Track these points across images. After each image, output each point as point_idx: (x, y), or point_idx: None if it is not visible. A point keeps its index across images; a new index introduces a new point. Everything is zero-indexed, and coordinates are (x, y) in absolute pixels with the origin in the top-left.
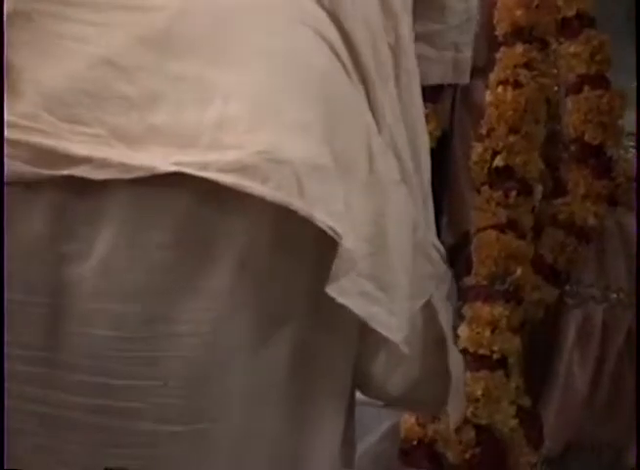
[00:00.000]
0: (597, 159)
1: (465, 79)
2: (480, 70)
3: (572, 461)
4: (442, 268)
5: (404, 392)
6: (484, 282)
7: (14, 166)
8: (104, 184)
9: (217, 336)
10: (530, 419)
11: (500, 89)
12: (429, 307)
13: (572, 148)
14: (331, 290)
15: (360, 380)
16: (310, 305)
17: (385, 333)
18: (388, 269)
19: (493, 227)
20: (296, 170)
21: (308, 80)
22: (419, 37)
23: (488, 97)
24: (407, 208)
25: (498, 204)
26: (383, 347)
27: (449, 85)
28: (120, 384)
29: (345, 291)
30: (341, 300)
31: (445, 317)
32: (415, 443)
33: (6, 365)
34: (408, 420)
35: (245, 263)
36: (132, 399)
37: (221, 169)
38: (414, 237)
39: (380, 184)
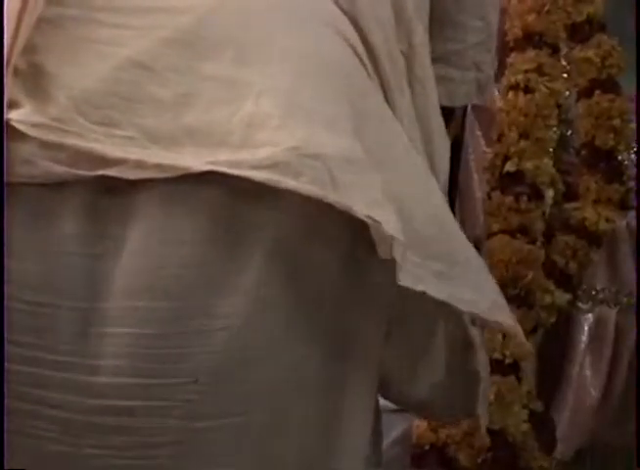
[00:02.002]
0: (608, 163)
1: (484, 100)
2: None
3: (585, 465)
4: None
5: (428, 395)
6: None
7: (45, 167)
8: (134, 183)
9: (248, 330)
10: (542, 423)
11: (511, 94)
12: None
13: (583, 153)
14: (404, 280)
15: (381, 381)
16: (340, 297)
17: (467, 309)
18: (453, 247)
19: (504, 232)
20: (328, 164)
21: (335, 78)
22: (440, 58)
23: (499, 102)
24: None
25: (509, 209)
26: (405, 347)
27: None
28: (148, 383)
29: (418, 276)
30: (419, 287)
31: (469, 320)
32: (427, 447)
33: (31, 370)
34: (420, 425)
35: (275, 258)
36: (160, 397)
37: (254, 166)
38: None
39: (419, 175)
